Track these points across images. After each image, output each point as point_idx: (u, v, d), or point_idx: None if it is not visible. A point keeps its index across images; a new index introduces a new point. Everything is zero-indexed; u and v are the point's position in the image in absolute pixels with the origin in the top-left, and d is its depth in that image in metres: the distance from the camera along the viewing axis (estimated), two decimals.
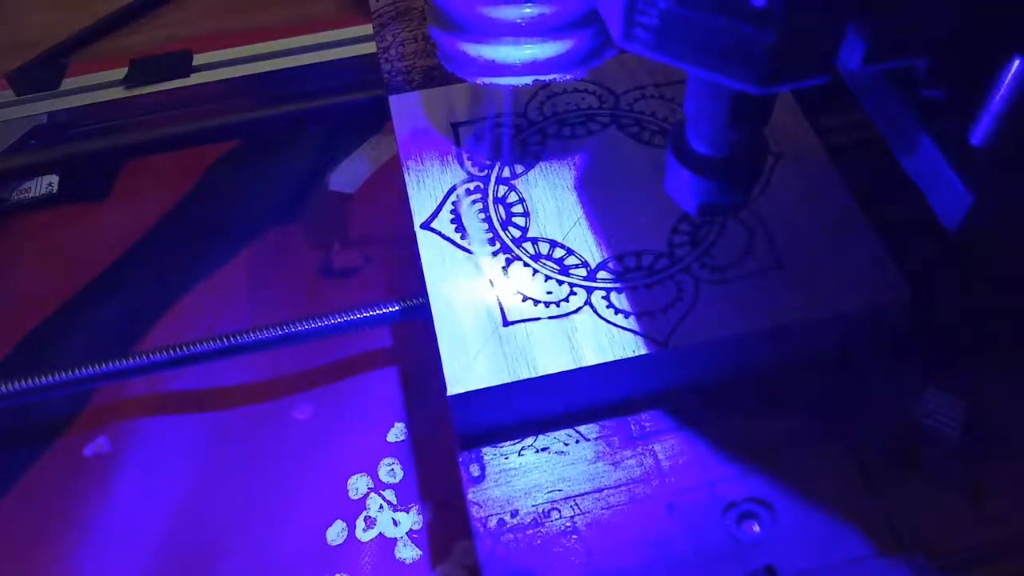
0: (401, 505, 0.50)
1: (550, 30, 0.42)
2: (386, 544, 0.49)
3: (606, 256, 0.47)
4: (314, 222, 0.65)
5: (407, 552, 0.49)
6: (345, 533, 0.49)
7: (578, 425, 0.45)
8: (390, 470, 0.52)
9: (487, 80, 0.44)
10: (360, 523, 0.50)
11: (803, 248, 0.46)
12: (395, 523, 0.50)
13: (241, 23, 0.79)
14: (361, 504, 0.50)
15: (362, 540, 0.49)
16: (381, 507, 0.50)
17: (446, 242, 0.48)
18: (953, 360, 0.46)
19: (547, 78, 0.43)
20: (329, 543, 0.49)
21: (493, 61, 0.42)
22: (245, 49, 0.77)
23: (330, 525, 0.50)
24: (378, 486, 0.51)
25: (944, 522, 0.41)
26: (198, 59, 0.76)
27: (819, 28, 0.26)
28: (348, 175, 0.68)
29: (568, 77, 0.44)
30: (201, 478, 0.52)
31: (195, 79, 0.75)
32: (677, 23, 0.27)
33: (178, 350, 0.51)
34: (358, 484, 0.51)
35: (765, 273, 0.46)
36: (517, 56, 0.42)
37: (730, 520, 0.41)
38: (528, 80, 0.43)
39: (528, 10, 0.40)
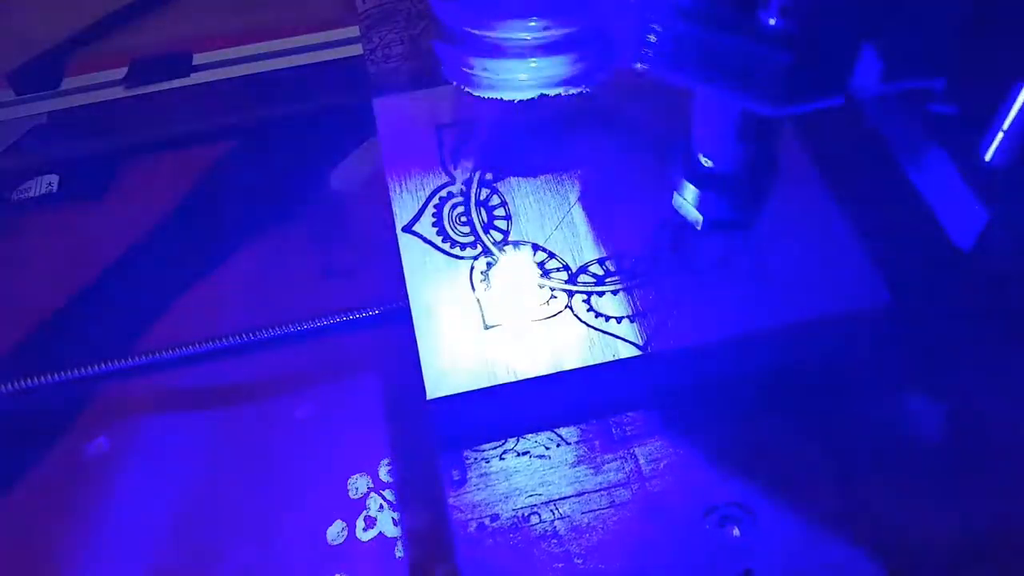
0: (401, 505, 0.50)
1: (556, 45, 0.41)
2: (386, 543, 0.49)
3: (588, 260, 0.47)
4: (314, 222, 0.65)
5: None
6: (345, 533, 0.49)
7: (559, 428, 0.45)
8: (390, 470, 0.52)
9: (493, 95, 0.44)
10: (360, 523, 0.50)
11: (785, 253, 0.46)
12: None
13: (241, 23, 0.79)
14: (361, 504, 0.50)
15: (362, 540, 0.49)
16: (381, 507, 0.50)
17: (428, 245, 0.48)
18: (935, 364, 0.46)
19: (553, 92, 0.43)
20: (329, 543, 0.49)
21: (499, 75, 0.42)
22: (245, 49, 0.77)
23: (330, 525, 0.50)
24: (378, 486, 0.51)
25: (926, 525, 0.41)
26: (198, 59, 0.76)
27: (836, 49, 0.25)
28: (348, 175, 0.68)
29: (574, 91, 0.44)
30: (201, 478, 0.52)
31: (195, 79, 0.75)
32: (689, 43, 0.26)
33: (178, 350, 0.51)
34: (358, 484, 0.51)
35: (746, 278, 0.46)
36: (523, 70, 0.42)
37: (711, 524, 0.41)
38: (534, 94, 0.43)
39: (534, 25, 0.40)
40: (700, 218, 0.36)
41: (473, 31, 0.42)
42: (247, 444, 0.53)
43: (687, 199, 0.36)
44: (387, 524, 0.50)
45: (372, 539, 0.49)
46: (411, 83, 0.57)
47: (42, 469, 0.53)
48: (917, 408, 0.45)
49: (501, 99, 0.44)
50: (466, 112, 0.54)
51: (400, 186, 0.50)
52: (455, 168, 0.51)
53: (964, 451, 0.43)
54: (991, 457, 0.43)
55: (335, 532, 0.49)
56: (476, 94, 0.44)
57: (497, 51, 0.42)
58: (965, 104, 0.28)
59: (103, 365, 0.51)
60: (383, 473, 0.52)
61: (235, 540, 0.49)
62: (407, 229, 0.48)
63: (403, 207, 0.49)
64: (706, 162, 0.34)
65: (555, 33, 0.41)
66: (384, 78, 0.57)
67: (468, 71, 0.43)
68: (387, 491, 0.51)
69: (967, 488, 0.42)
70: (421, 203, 0.50)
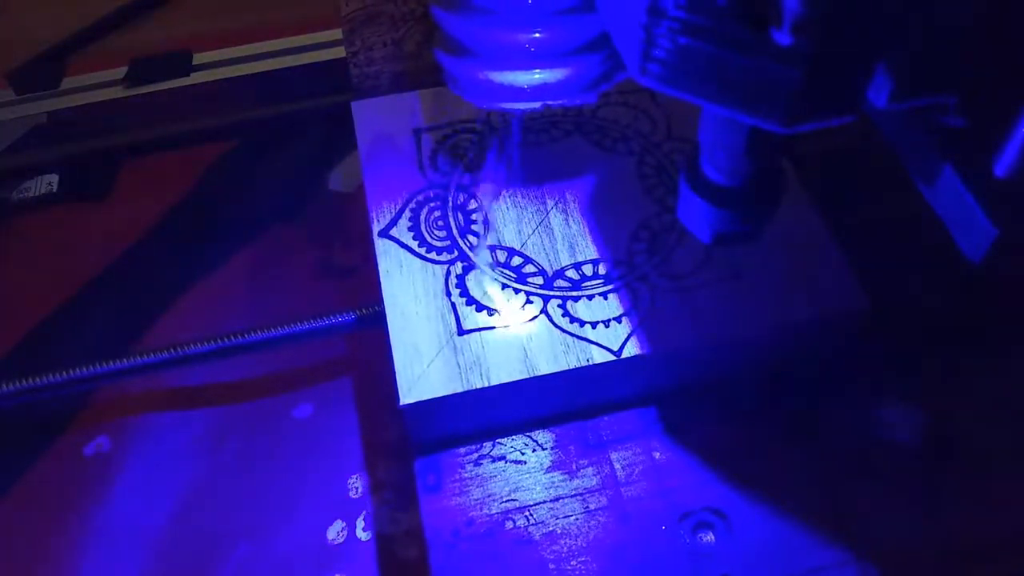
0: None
1: (560, 55, 0.41)
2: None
3: (564, 264, 0.47)
4: (314, 222, 0.65)
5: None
6: (345, 533, 0.50)
7: (535, 432, 0.45)
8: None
9: (496, 104, 0.44)
10: (360, 523, 0.50)
11: (761, 257, 0.46)
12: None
13: (241, 23, 0.79)
14: (361, 504, 0.51)
15: (362, 540, 0.49)
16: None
17: (404, 250, 0.48)
18: (913, 370, 0.46)
19: (557, 103, 0.43)
20: (329, 542, 0.49)
21: (502, 85, 0.42)
22: (245, 49, 0.77)
23: (330, 525, 0.50)
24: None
25: (903, 532, 0.41)
26: (198, 59, 0.76)
27: (849, 66, 0.25)
28: (348, 175, 0.68)
29: (578, 102, 0.44)
30: (201, 478, 0.52)
31: (195, 79, 0.75)
32: (696, 59, 0.26)
33: (178, 350, 0.51)
34: (358, 484, 0.51)
35: (722, 282, 0.45)
36: (526, 81, 0.42)
37: (685, 530, 0.41)
38: (537, 104, 0.43)
39: (538, 35, 0.40)
40: (707, 231, 0.36)
41: (477, 42, 0.42)
42: (247, 444, 0.53)
43: (694, 212, 0.35)
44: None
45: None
46: (394, 86, 0.57)
47: (42, 469, 0.53)
48: (898, 413, 0.45)
49: (503, 109, 0.44)
50: (445, 116, 0.54)
51: (377, 190, 0.50)
52: (433, 171, 0.51)
53: (946, 456, 0.43)
54: (972, 462, 0.43)
55: (335, 532, 0.50)
56: (479, 104, 0.44)
57: (500, 62, 0.42)
58: (976, 118, 0.28)
59: (103, 365, 0.51)
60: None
61: (235, 540, 0.49)
62: (384, 234, 0.48)
63: (380, 211, 0.49)
64: (713, 175, 0.34)
65: (559, 45, 0.41)
66: (367, 81, 0.57)
67: (471, 81, 0.43)
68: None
69: (949, 493, 0.42)
70: (398, 207, 0.49)
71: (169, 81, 0.74)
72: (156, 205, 0.66)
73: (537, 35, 0.40)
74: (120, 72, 0.75)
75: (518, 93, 0.42)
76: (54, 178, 0.68)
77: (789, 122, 0.26)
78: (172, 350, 0.51)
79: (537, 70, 0.41)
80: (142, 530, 0.50)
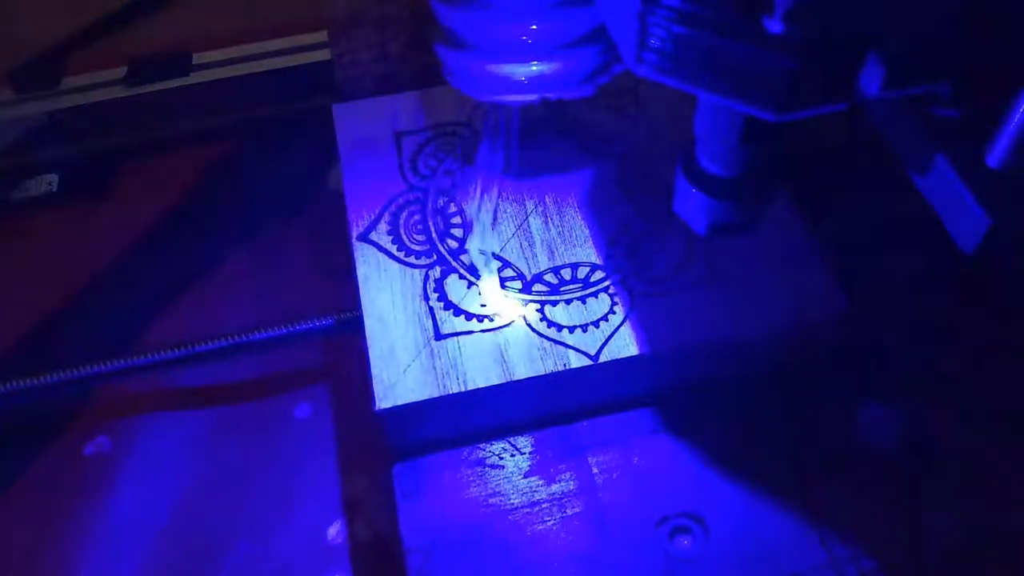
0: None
1: (557, 47, 0.41)
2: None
3: (542, 269, 0.47)
4: (314, 222, 0.65)
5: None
6: (344, 532, 0.49)
7: (513, 437, 0.45)
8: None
9: (493, 97, 0.44)
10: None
11: (741, 260, 0.46)
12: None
13: (240, 23, 0.79)
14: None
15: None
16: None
17: (383, 254, 0.47)
18: (891, 376, 0.46)
19: (554, 95, 0.43)
20: (328, 541, 0.49)
21: (500, 78, 0.42)
22: (244, 49, 0.77)
23: (330, 525, 0.50)
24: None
25: (879, 538, 0.41)
26: (198, 59, 0.76)
27: (841, 55, 0.25)
28: None
29: (575, 94, 0.43)
30: (200, 477, 0.52)
31: (195, 79, 0.75)
32: (690, 48, 0.26)
33: (178, 349, 0.51)
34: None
35: (701, 286, 0.45)
36: (524, 73, 0.42)
37: (662, 535, 0.41)
38: (534, 97, 0.43)
39: (535, 28, 0.40)
40: (703, 222, 0.36)
41: (475, 35, 0.42)
42: (247, 444, 0.53)
43: (689, 203, 0.35)
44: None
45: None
46: (379, 89, 0.57)
47: (42, 468, 0.53)
48: (878, 417, 0.45)
49: (501, 102, 0.44)
50: (426, 119, 0.54)
51: (356, 193, 0.50)
52: (413, 175, 0.51)
53: (926, 460, 0.43)
54: (953, 466, 0.43)
55: (334, 531, 0.50)
56: (477, 97, 0.44)
57: (499, 55, 0.42)
58: (969, 108, 0.28)
59: (103, 365, 0.51)
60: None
61: (234, 539, 0.49)
62: (362, 237, 0.48)
63: (359, 215, 0.49)
64: (708, 166, 0.34)
65: (556, 37, 0.41)
66: (352, 83, 0.57)
67: (469, 74, 0.43)
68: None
69: (929, 497, 0.42)
70: (378, 211, 0.49)
71: (169, 81, 0.74)
72: (156, 205, 0.66)
73: (534, 27, 0.40)
74: (120, 72, 0.75)
75: (516, 85, 0.42)
76: (54, 178, 0.68)
77: (781, 110, 0.26)
78: (172, 350, 0.51)
79: (535, 62, 0.41)
80: (142, 530, 0.50)
